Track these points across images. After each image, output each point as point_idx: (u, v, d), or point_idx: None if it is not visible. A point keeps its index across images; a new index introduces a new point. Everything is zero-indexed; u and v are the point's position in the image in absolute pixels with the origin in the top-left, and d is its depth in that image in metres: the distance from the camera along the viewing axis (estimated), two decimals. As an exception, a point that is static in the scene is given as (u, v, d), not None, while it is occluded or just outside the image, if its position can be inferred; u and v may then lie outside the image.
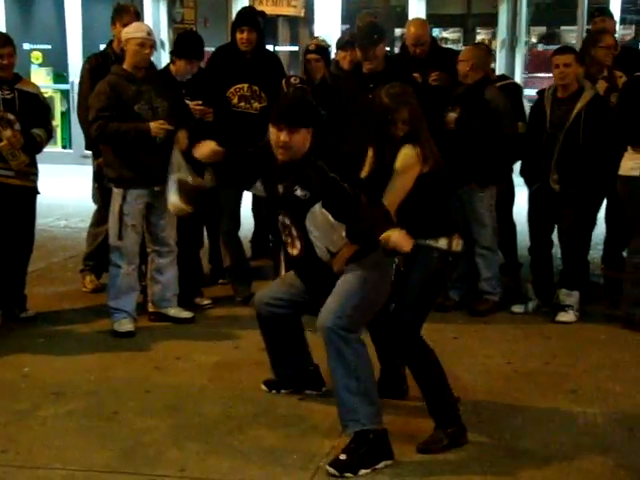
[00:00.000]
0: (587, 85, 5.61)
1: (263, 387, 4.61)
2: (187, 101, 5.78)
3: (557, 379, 4.77)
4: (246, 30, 6.01)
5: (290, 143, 3.87)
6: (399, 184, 3.93)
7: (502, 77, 7.09)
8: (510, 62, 11.25)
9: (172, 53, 5.97)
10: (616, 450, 3.94)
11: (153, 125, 5.32)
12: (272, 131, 3.93)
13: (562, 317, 5.75)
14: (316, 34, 10.33)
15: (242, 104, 6.06)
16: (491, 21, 12.00)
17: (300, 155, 3.93)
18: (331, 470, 3.74)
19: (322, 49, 6.19)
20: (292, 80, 5.90)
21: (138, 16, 6.36)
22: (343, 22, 11.29)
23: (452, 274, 4.51)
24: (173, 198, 5.26)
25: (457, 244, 4.03)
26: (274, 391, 4.59)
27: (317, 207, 3.91)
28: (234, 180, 4.55)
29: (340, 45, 6.81)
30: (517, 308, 5.96)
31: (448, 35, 12.67)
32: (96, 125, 5.34)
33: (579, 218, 5.62)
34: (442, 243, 3.99)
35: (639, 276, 5.51)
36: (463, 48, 8.88)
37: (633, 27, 11.09)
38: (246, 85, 6.05)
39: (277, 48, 11.25)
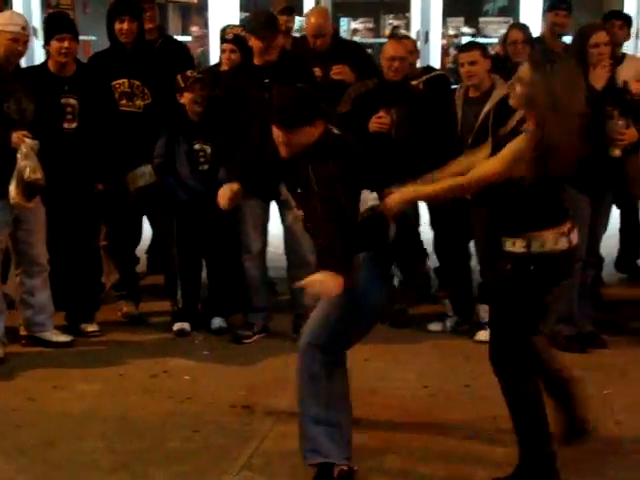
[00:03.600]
0: (499, 83, 5.74)
1: None
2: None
3: (477, 403, 4.84)
4: (126, 20, 5.95)
5: (288, 143, 3.90)
6: None
7: (428, 69, 7.15)
8: (425, 54, 11.39)
9: (45, 45, 5.83)
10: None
11: (15, 135, 5.22)
12: (273, 128, 3.97)
13: (482, 335, 5.84)
14: (210, 22, 10.30)
15: (123, 102, 6.01)
16: (404, 11, 12.12)
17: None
18: None
19: (240, 40, 6.14)
20: (188, 73, 5.88)
21: (5, 1, 6.26)
22: (242, 9, 11.26)
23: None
24: (11, 188, 5.22)
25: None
26: None
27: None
28: (262, 192, 4.89)
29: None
30: (434, 326, 6.04)
31: (358, 25, 12.76)
32: None
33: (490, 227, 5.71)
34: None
35: (564, 291, 5.64)
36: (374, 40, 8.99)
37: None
38: (126, 81, 6.00)
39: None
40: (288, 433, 4.43)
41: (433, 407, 4.80)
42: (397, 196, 3.85)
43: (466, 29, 11.52)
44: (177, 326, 5.97)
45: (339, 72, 6.02)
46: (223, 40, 6.23)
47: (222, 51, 6.17)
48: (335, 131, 4.00)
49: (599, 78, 5.37)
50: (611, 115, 5.38)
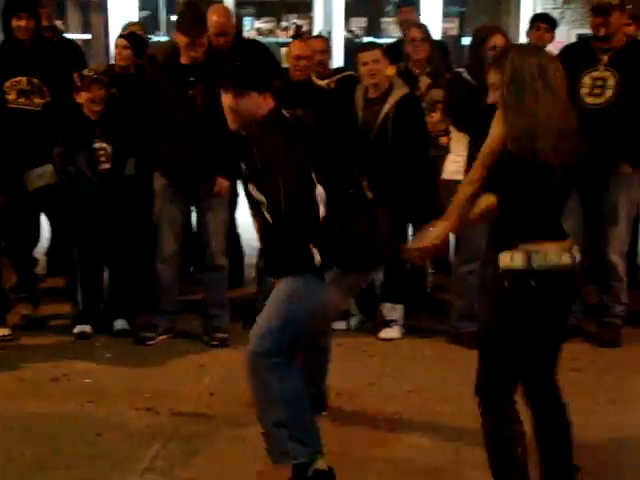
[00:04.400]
0: (397, 83, 5.82)
1: None
2: None
3: (381, 401, 4.90)
4: (24, 17, 5.86)
5: (236, 110, 3.84)
6: None
7: (339, 69, 7.20)
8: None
9: None
10: (443, 474, 4.10)
11: None
12: (222, 97, 3.91)
13: (386, 333, 5.92)
14: (110, 20, 10.22)
15: (22, 100, 5.91)
16: (307, 10, 12.16)
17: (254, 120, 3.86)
18: None
19: (135, 37, 6.12)
20: (85, 72, 5.82)
21: None
22: (142, 8, 11.18)
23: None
24: None
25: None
26: None
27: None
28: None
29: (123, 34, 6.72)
30: (338, 325, 6.06)
31: (261, 25, 12.75)
32: None
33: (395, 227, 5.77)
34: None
35: (466, 287, 5.74)
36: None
37: (457, 21, 11.55)
38: (24, 78, 5.90)
39: (67, 36, 11.01)
40: (192, 434, 4.43)
41: (337, 406, 4.83)
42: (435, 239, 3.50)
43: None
44: (78, 328, 5.90)
45: None
46: (119, 37, 6.19)
47: (115, 46, 6.12)
48: (285, 113, 3.96)
49: None
50: None
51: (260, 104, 3.86)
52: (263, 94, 3.88)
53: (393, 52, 6.31)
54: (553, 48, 6.46)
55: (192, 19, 5.65)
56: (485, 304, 3.51)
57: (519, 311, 3.33)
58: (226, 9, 6.51)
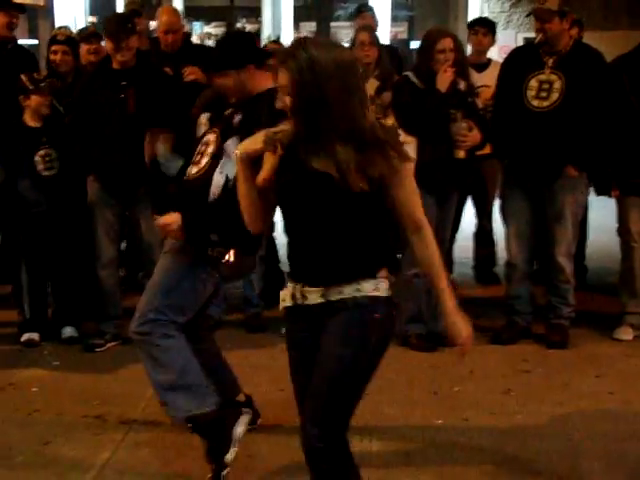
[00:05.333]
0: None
1: None
2: None
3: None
4: None
5: (219, 85, 4.05)
6: None
7: None
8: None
9: None
10: (392, 477, 4.11)
11: None
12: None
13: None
14: (57, 25, 10.12)
15: None
16: (257, 15, 12.18)
17: (247, 95, 3.99)
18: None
19: (71, 40, 6.09)
20: (35, 75, 5.77)
21: None
22: (90, 13, 11.14)
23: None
24: None
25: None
26: None
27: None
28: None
29: (83, 37, 6.70)
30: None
31: (211, 30, 12.75)
32: None
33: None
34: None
35: (413, 290, 5.76)
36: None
37: (406, 24, 11.64)
38: None
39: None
40: (141, 442, 4.40)
41: (288, 410, 4.80)
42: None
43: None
44: (25, 336, 5.83)
45: (191, 72, 6.01)
46: (54, 42, 6.13)
47: (54, 52, 6.07)
48: None
49: (443, 82, 5.52)
50: (455, 118, 5.53)
51: (248, 79, 4.01)
52: (244, 69, 4.01)
53: None
54: (500, 51, 6.52)
55: (116, 23, 5.67)
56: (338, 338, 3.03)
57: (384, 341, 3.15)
58: (174, 9, 6.60)
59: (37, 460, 4.25)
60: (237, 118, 3.97)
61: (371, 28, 6.86)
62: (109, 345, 5.82)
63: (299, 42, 2.95)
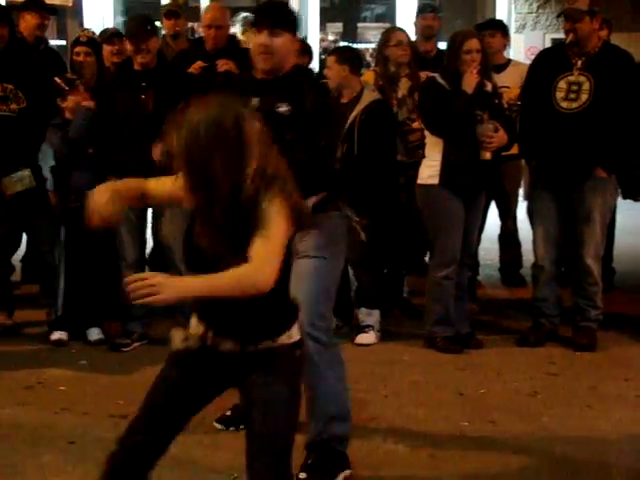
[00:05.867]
0: (368, 88, 5.85)
1: (217, 425, 4.54)
2: None
3: (357, 406, 4.87)
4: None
5: (271, 47, 3.81)
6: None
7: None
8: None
9: None
10: (417, 478, 4.10)
11: None
12: (252, 38, 3.93)
13: (362, 339, 5.92)
14: (86, 26, 10.17)
15: None
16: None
17: (284, 67, 3.88)
18: None
19: (93, 42, 6.13)
20: (68, 76, 5.86)
21: None
22: (116, 14, 11.18)
23: None
24: None
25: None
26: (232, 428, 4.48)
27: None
28: None
29: (105, 38, 6.71)
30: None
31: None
32: None
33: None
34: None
35: (441, 292, 5.75)
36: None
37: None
38: None
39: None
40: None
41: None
42: None
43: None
44: (56, 335, 5.86)
45: (225, 63, 6.02)
46: (77, 44, 6.17)
47: (76, 54, 6.10)
48: None
49: (470, 83, 5.51)
50: (481, 119, 5.52)
51: (290, 48, 3.91)
52: (294, 37, 3.92)
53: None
54: (527, 52, 6.47)
55: (136, 25, 5.72)
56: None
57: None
58: (222, 6, 6.64)
59: (64, 458, 4.26)
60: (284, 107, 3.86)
61: (403, 29, 6.81)
62: (135, 345, 5.84)
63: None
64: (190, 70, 6.09)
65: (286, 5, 4.13)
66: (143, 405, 3.08)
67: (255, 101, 3.77)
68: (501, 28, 7.08)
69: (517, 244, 7.36)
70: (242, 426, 4.20)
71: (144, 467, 3.02)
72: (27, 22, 6.72)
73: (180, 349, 2.97)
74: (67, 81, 5.76)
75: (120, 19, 11.27)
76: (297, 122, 3.75)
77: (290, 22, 3.92)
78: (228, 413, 4.54)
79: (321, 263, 3.90)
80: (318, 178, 3.73)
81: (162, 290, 2.63)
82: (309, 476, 3.92)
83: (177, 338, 2.97)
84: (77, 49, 6.09)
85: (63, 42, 10.92)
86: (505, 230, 7.39)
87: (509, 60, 7.12)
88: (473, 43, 5.59)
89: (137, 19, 5.87)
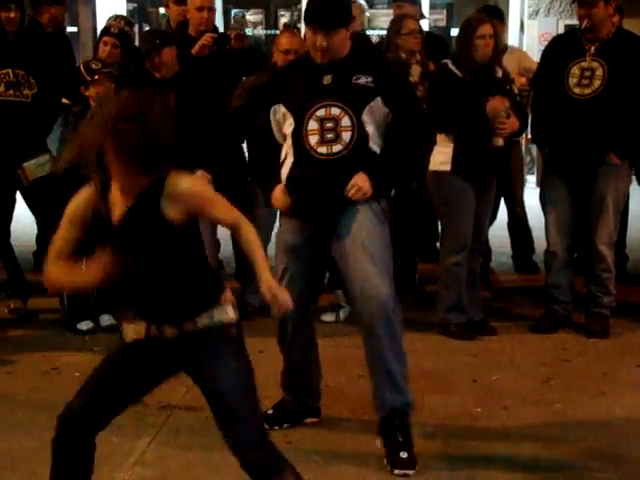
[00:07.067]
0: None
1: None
2: None
3: (370, 394, 4.89)
4: (13, 9, 5.88)
5: (328, 46, 3.95)
6: None
7: None
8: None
9: None
10: (430, 464, 4.10)
11: None
12: (307, 33, 4.07)
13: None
14: (98, 13, 10.20)
15: (10, 92, 5.91)
16: (296, 3, 12.15)
17: (343, 53, 4.02)
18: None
19: (123, 34, 6.12)
20: (93, 66, 5.78)
21: None
22: (129, 0, 11.18)
23: None
24: None
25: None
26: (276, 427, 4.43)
27: (379, 101, 3.98)
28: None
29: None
30: (328, 317, 6.09)
31: (250, 17, 12.72)
32: None
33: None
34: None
35: (453, 279, 5.75)
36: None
37: (444, 12, 11.59)
38: (10, 70, 5.90)
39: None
40: (182, 428, 4.44)
41: (324, 398, 4.83)
42: None
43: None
44: (86, 325, 5.90)
45: (210, 36, 6.01)
46: (106, 33, 6.15)
47: (104, 43, 6.08)
48: None
49: (493, 110, 5.49)
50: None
51: (346, 39, 4.06)
52: (349, 27, 4.05)
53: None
54: (540, 38, 6.46)
55: (146, 42, 5.96)
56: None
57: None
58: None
59: (79, 444, 4.28)
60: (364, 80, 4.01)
61: (414, 16, 6.80)
62: (148, 331, 5.86)
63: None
64: (202, 42, 6.04)
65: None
66: (92, 374, 3.35)
67: (327, 78, 4.00)
68: (498, 15, 7.08)
69: (527, 230, 7.34)
70: (286, 424, 4.37)
71: (89, 430, 3.40)
72: (52, 14, 6.72)
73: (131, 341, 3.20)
74: (90, 71, 5.71)
75: (132, 5, 11.28)
76: (383, 90, 3.98)
77: (344, 17, 3.99)
78: (270, 412, 4.48)
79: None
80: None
81: None
82: None
83: (129, 331, 3.19)
84: (105, 38, 6.10)
85: (75, 29, 10.93)
86: (513, 217, 7.36)
87: (506, 46, 7.12)
88: (486, 28, 5.58)
89: (145, 36, 5.95)
